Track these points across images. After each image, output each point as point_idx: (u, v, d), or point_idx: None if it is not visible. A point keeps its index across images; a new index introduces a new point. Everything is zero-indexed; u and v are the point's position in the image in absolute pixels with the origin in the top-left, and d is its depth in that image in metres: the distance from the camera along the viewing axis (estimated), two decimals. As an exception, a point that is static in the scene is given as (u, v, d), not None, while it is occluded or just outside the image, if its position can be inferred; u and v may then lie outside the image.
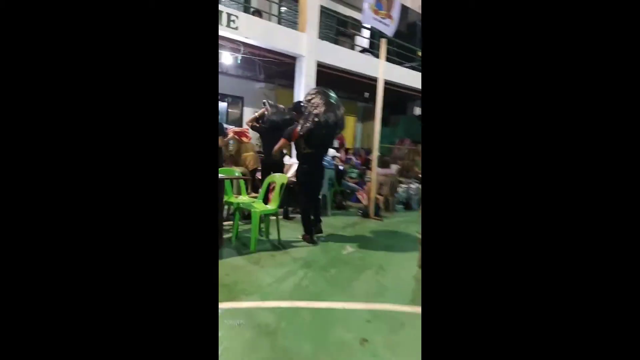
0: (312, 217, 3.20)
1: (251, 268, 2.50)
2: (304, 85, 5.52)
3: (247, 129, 4.20)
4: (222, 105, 7.14)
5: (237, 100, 7.23)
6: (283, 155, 3.80)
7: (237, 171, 3.48)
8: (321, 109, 2.84)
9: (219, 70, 6.67)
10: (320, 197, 3.54)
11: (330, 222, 4.14)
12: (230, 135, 3.89)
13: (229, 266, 2.49)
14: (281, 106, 3.96)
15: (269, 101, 3.98)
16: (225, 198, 3.38)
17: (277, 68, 6.10)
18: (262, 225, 3.31)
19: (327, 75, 6.12)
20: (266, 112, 3.82)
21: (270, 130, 3.70)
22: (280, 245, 3.05)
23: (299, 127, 2.96)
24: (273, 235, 3.20)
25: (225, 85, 6.88)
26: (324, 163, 4.45)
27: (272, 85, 7.61)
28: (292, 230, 3.58)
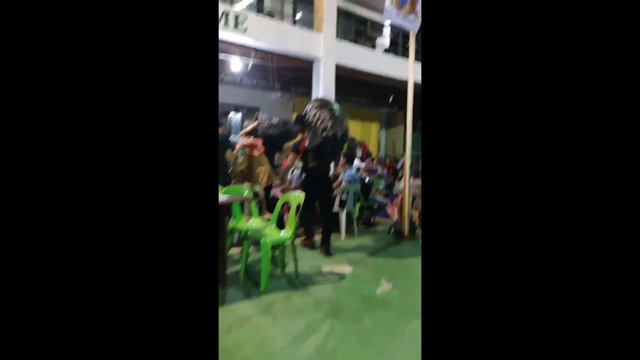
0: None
1: (260, 320, 1.92)
2: (322, 91, 4.99)
3: (261, 140, 3.70)
4: (237, 117, 6.76)
5: (253, 112, 6.83)
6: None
7: (245, 190, 2.96)
8: (328, 123, 2.81)
9: (233, 81, 6.32)
10: (332, 212, 3.35)
11: (358, 245, 3.52)
12: (239, 146, 3.38)
13: (233, 316, 1.93)
14: (275, 119, 3.88)
15: (263, 114, 3.93)
16: (234, 222, 2.85)
17: (292, 74, 5.64)
18: (277, 253, 2.75)
19: (347, 80, 5.58)
20: (259, 126, 3.68)
21: (266, 143, 3.52)
22: (299, 282, 2.46)
23: (307, 142, 2.90)
24: (290, 266, 2.62)
25: (240, 96, 6.53)
26: (348, 177, 3.91)
27: (289, 95, 7.18)
28: (311, 260, 2.99)
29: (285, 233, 2.51)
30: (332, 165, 4.85)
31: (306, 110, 2.97)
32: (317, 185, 3.00)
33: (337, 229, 3.82)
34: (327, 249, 3.08)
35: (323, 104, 2.94)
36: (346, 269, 2.77)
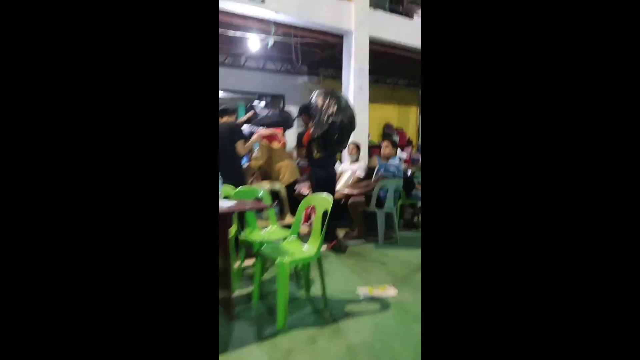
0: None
1: (272, 379, 1.38)
2: (353, 69, 4.32)
3: (281, 130, 3.15)
4: (260, 105, 6.27)
5: (277, 99, 6.30)
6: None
7: (261, 190, 2.42)
8: (333, 109, 2.77)
9: (255, 66, 5.81)
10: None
11: (401, 255, 2.88)
12: (255, 138, 2.85)
13: (236, 370, 1.41)
14: (270, 111, 3.68)
15: (259, 103, 3.82)
16: (247, 232, 2.33)
17: (319, 52, 4.98)
18: (299, 270, 2.20)
19: (382, 56, 4.84)
20: (255, 115, 3.45)
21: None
22: (328, 311, 1.90)
23: (311, 130, 2.81)
24: (315, 287, 2.06)
25: (261, 82, 6.00)
26: (390, 170, 3.27)
27: (317, 78, 6.55)
28: (344, 277, 2.40)
29: (310, 248, 1.94)
30: (363, 156, 4.24)
31: (311, 100, 2.89)
32: (324, 177, 2.89)
33: (375, 234, 3.22)
34: (338, 245, 2.93)
35: (328, 92, 2.90)
36: (389, 291, 2.16)
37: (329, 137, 2.77)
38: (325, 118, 2.74)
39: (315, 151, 2.85)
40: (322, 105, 2.77)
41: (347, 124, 2.81)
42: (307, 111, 2.90)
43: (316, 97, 2.86)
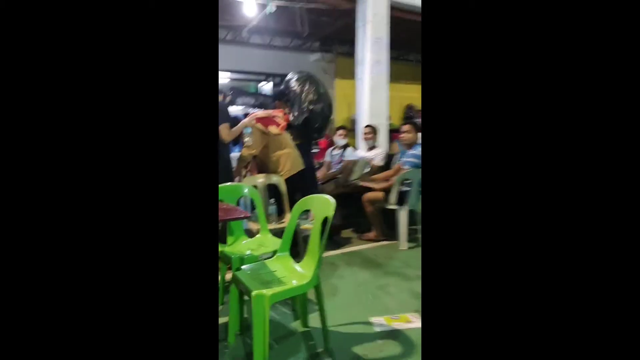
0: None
1: None
2: (370, 39, 3.67)
3: (282, 111, 2.61)
4: (267, 87, 5.73)
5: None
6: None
7: (247, 188, 1.90)
8: (314, 96, 2.68)
9: (261, 43, 5.25)
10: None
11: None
12: (246, 121, 2.32)
13: None
14: (244, 94, 3.57)
15: (231, 89, 3.59)
16: (230, 240, 1.83)
17: (331, 21, 4.34)
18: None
19: (402, 24, 4.14)
20: (224, 98, 3.23)
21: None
22: (329, 356, 1.38)
23: (289, 117, 2.64)
24: (315, 316, 1.55)
25: (268, 61, 5.43)
26: (412, 159, 2.69)
27: (330, 55, 5.90)
28: (353, 299, 1.87)
29: (304, 272, 1.41)
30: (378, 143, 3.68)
31: (287, 85, 2.73)
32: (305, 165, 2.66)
33: (395, 235, 2.67)
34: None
35: (306, 77, 2.76)
36: (412, 321, 1.62)
37: (310, 124, 2.69)
38: (306, 105, 2.65)
39: (292, 139, 2.64)
40: (301, 92, 2.66)
41: (327, 110, 2.77)
42: (282, 97, 2.72)
43: (293, 83, 2.72)
